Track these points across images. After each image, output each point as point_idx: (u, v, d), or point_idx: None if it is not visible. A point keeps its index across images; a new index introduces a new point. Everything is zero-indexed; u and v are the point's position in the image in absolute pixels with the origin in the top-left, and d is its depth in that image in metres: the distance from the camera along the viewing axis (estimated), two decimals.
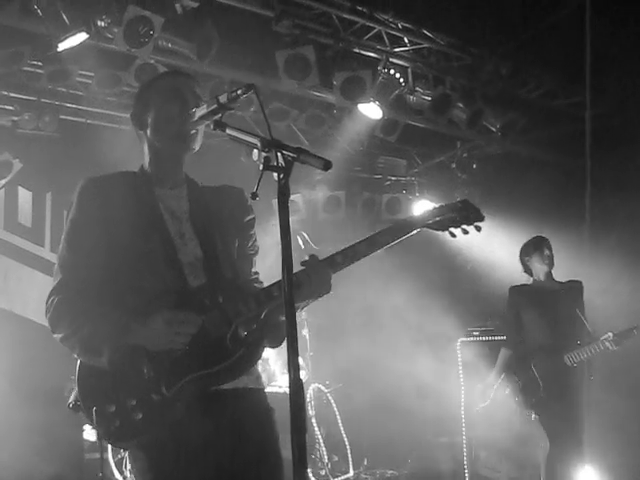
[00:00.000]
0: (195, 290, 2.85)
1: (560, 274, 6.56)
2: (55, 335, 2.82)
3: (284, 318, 2.22)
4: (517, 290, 6.58)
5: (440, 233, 3.16)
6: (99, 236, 2.87)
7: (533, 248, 6.50)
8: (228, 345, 2.78)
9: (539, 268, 6.45)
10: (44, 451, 6.44)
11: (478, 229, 3.13)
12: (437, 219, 3.10)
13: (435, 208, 3.14)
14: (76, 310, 2.81)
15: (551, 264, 6.46)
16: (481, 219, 3.14)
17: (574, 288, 6.48)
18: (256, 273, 3.18)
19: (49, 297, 2.86)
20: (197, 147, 3.02)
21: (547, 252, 6.45)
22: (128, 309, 2.80)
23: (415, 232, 3.05)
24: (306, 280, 2.78)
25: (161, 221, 2.94)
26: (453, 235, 3.15)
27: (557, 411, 6.02)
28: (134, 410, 2.69)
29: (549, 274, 6.47)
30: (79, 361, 2.82)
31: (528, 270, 6.58)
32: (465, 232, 3.15)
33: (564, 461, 5.96)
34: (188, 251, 2.93)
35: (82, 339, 2.76)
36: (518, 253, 6.64)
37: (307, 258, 2.86)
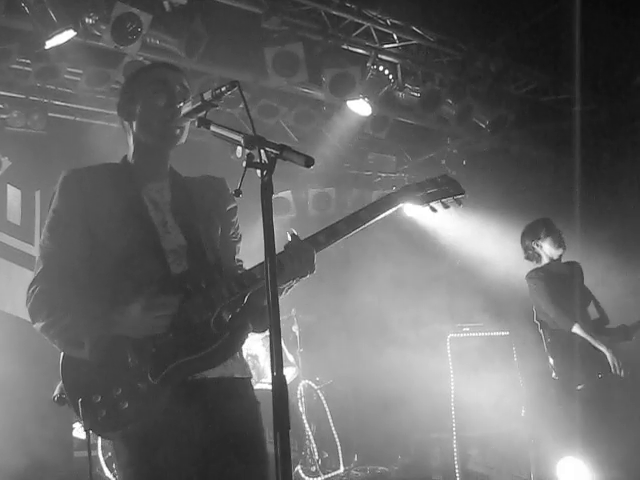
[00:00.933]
0: (177, 277, 2.87)
1: None
2: (35, 325, 2.83)
3: None
4: (541, 273, 6.19)
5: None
6: (81, 226, 2.88)
7: (545, 231, 6.17)
8: (212, 330, 2.79)
9: (552, 252, 6.16)
10: (33, 449, 6.43)
11: (459, 202, 3.12)
12: (418, 194, 3.08)
13: (415, 183, 3.13)
14: (56, 300, 2.82)
15: (565, 245, 6.19)
16: (461, 192, 3.13)
17: (578, 270, 6.29)
18: (239, 260, 3.19)
19: (30, 286, 2.87)
20: (183, 141, 3.03)
21: (560, 233, 6.17)
22: (110, 299, 2.81)
23: (396, 208, 3.03)
24: (288, 261, 2.77)
25: (144, 211, 2.95)
26: (434, 210, 3.13)
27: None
28: (120, 399, 2.70)
29: (560, 256, 6.20)
30: (62, 353, 2.82)
31: (535, 255, 6.28)
32: (446, 206, 3.13)
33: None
34: (171, 239, 2.94)
35: (62, 330, 2.77)
36: (521, 238, 6.32)
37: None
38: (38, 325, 2.82)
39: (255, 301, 2.86)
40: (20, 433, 6.55)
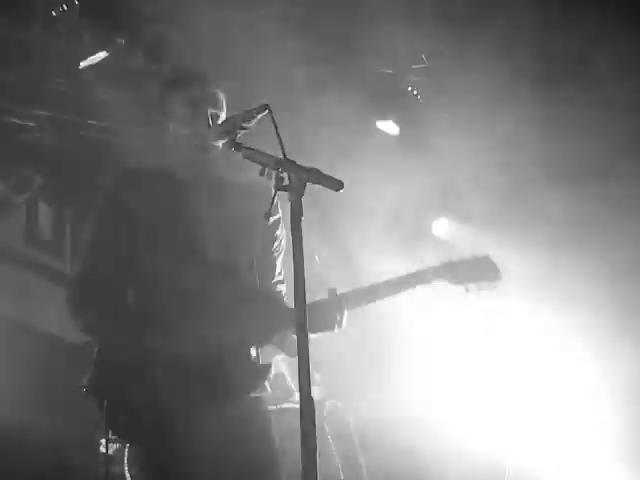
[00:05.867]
0: (217, 296, 2.92)
1: (579, 299, 6.52)
2: (74, 321, 2.93)
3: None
4: None
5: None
6: (127, 230, 2.95)
7: None
8: (243, 360, 2.85)
9: None
10: (60, 464, 6.47)
11: (494, 288, 3.19)
12: (455, 273, 3.16)
13: (455, 262, 3.19)
14: (99, 303, 2.92)
15: None
16: (498, 277, 3.19)
17: None
18: (279, 274, 3.22)
19: (72, 284, 3.00)
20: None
21: None
22: (151, 310, 2.89)
23: (433, 284, 3.15)
24: (320, 313, 2.87)
25: (189, 221, 3.01)
26: (468, 291, 3.19)
27: None
28: (144, 409, 2.77)
29: None
30: (97, 349, 2.91)
31: None
32: (480, 289, 3.19)
33: None
34: (214, 253, 2.99)
35: (102, 335, 2.90)
36: None
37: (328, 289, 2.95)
38: (78, 323, 2.92)
39: (289, 332, 2.91)
40: (46, 448, 6.58)
